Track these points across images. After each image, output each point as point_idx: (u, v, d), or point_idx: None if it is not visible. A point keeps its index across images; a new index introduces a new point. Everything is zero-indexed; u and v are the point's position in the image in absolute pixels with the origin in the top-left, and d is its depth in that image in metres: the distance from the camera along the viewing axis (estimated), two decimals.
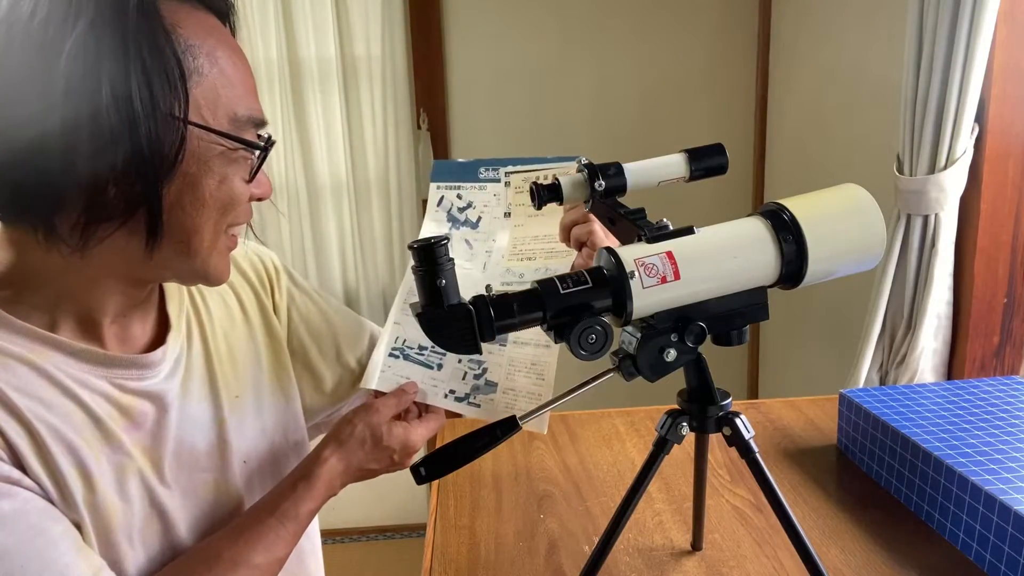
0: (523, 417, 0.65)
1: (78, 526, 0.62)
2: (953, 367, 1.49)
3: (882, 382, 1.56)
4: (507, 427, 0.70)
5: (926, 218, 1.42)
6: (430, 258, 0.61)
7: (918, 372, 1.47)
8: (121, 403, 0.67)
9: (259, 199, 0.70)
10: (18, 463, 0.60)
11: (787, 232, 0.67)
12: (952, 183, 1.37)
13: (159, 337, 0.73)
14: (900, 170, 1.46)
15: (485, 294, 0.64)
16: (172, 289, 0.77)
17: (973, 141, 1.36)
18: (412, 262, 0.62)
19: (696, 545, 0.87)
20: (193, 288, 0.79)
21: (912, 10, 1.39)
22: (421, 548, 0.90)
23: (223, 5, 0.66)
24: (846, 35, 1.87)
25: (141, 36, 0.57)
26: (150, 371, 0.70)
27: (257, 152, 0.66)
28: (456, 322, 0.62)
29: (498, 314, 0.63)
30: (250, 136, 0.66)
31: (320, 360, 0.89)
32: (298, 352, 0.88)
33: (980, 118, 1.35)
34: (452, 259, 0.62)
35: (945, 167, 1.37)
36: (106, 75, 0.55)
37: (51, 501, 0.61)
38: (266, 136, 0.68)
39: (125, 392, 0.68)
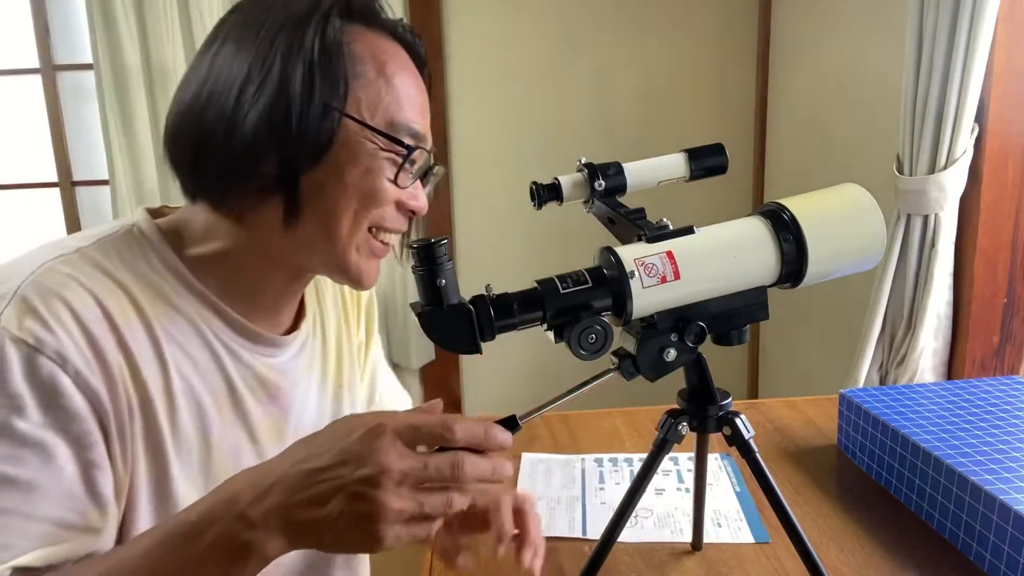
0: (523, 416, 0.65)
1: (185, 491, 0.67)
2: (953, 367, 1.49)
3: (882, 382, 1.56)
4: (507, 427, 0.69)
5: (926, 218, 1.42)
6: (430, 258, 0.61)
7: (918, 372, 1.47)
8: (261, 374, 0.75)
9: (412, 212, 0.73)
10: (148, 413, 0.65)
11: (787, 232, 0.67)
12: (952, 183, 1.37)
13: (294, 327, 0.81)
14: (900, 170, 1.46)
15: (485, 294, 0.64)
16: (310, 289, 0.84)
17: (973, 141, 1.36)
18: (412, 262, 0.62)
19: (696, 545, 0.87)
20: (317, 299, 0.86)
21: (912, 11, 1.39)
22: (421, 548, 0.90)
23: (409, 38, 0.73)
24: (846, 36, 1.88)
25: (315, 40, 0.65)
26: (280, 350, 0.77)
27: (407, 155, 0.70)
28: (456, 322, 0.62)
29: (498, 314, 0.63)
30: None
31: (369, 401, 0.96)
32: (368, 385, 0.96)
33: (980, 118, 1.35)
34: (452, 259, 0.62)
35: (945, 167, 1.37)
36: (278, 64, 0.64)
37: (165, 455, 0.66)
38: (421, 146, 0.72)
39: (264, 366, 0.76)
